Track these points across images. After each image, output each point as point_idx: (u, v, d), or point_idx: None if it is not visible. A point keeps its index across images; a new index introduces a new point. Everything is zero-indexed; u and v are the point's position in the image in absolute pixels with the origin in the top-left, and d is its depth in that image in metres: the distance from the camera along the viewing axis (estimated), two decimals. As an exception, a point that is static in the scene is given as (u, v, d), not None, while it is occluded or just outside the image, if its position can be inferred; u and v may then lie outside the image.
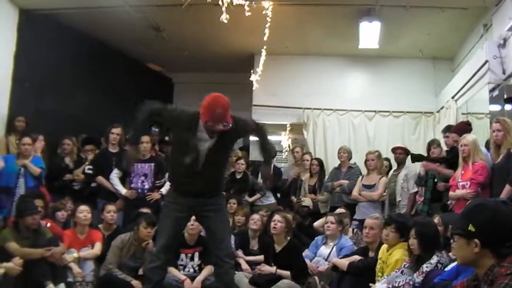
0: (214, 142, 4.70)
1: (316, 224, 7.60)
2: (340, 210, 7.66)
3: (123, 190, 7.76)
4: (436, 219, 5.29)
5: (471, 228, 2.68)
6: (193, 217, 5.42)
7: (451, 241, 3.82)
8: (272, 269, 6.44)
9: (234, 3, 7.02)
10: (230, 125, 4.50)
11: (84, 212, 6.75)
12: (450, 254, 4.54)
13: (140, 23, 9.69)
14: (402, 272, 4.84)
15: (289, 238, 6.63)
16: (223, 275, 4.90)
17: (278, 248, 6.58)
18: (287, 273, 6.35)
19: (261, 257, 6.91)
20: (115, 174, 7.83)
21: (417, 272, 4.59)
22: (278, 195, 9.48)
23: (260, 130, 5.10)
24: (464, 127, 6.99)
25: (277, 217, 6.62)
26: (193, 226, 6.26)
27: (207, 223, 5.01)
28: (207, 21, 8.69)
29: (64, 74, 9.41)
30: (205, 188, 4.79)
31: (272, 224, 6.58)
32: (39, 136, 7.90)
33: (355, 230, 7.54)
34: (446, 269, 4.41)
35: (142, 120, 4.92)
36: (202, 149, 4.70)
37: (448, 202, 6.52)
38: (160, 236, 5.00)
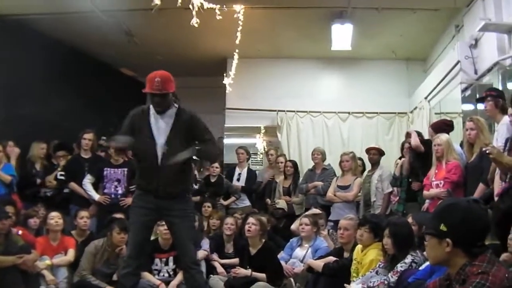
0: (169, 131, 4.77)
1: (293, 226, 7.57)
2: (315, 211, 7.64)
3: (96, 196, 7.68)
4: (410, 219, 5.31)
5: (443, 227, 2.68)
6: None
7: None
8: (247, 272, 6.42)
9: (205, 7, 6.98)
10: (168, 92, 4.69)
11: (55, 218, 6.67)
12: (424, 253, 4.55)
13: (112, 28, 9.60)
14: (377, 272, 4.85)
15: (263, 240, 6.62)
16: (191, 280, 4.92)
17: (253, 250, 6.57)
18: (262, 275, 6.34)
19: (236, 260, 6.90)
20: (87, 180, 7.75)
21: (392, 272, 4.59)
22: (253, 197, 9.44)
23: (208, 139, 5.05)
24: (442, 126, 6.99)
25: (251, 220, 6.61)
26: (166, 231, 6.20)
27: (173, 229, 5.02)
28: (179, 26, 8.62)
29: (35, 80, 9.26)
30: (166, 186, 4.77)
31: (247, 227, 6.58)
32: (8, 142, 7.76)
33: (330, 231, 7.56)
34: (420, 268, 4.42)
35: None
36: (160, 142, 4.76)
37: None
38: (129, 243, 5.03)
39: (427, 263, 4.28)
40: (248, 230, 6.56)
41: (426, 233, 2.86)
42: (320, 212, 7.69)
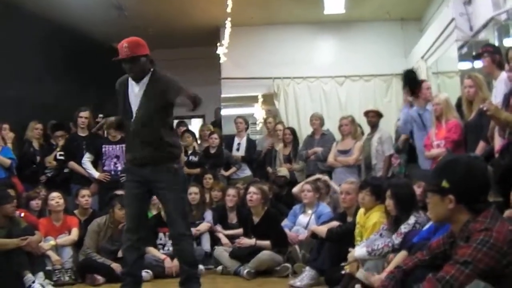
0: (141, 96, 4.72)
1: (295, 189, 7.55)
2: (321, 176, 7.63)
3: (96, 174, 7.68)
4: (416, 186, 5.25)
5: (445, 184, 2.67)
6: None
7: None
8: (252, 241, 6.45)
9: (195, -25, 6.89)
10: (135, 55, 4.63)
11: (55, 198, 6.67)
12: (427, 213, 4.53)
13: (102, 3, 9.53)
14: (380, 234, 4.84)
15: (266, 208, 6.63)
16: (180, 252, 4.89)
17: (256, 219, 6.60)
18: (266, 243, 6.37)
19: (240, 230, 6.93)
20: (87, 158, 7.74)
21: (396, 234, 4.58)
22: (254, 166, 9.42)
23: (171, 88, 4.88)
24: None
25: (252, 189, 6.62)
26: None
27: (161, 200, 5.05)
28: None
29: (28, 60, 9.18)
30: (147, 152, 4.73)
31: (248, 196, 6.60)
32: (3, 125, 7.71)
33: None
34: (424, 228, 4.41)
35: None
36: (134, 105, 4.74)
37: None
38: (126, 217, 5.06)
39: (431, 223, 4.27)
40: (250, 200, 6.58)
41: (428, 190, 2.84)
42: (327, 177, 7.68)
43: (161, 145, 4.77)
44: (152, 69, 4.79)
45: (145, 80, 4.75)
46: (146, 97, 4.71)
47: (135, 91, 4.75)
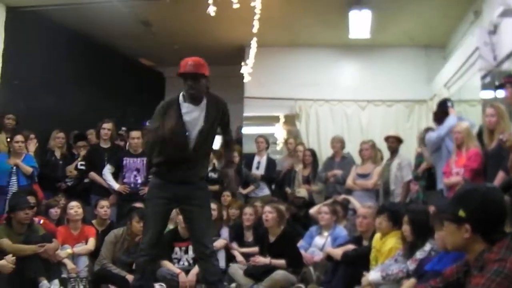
0: (203, 116, 4.77)
1: (312, 210, 7.57)
2: (344, 196, 7.70)
3: (116, 185, 7.74)
4: (432, 208, 5.26)
5: (461, 213, 2.67)
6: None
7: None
8: (267, 260, 6.45)
9: (221, -4, 6.97)
10: (200, 72, 4.72)
11: (74, 208, 6.77)
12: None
13: (129, 18, 9.63)
14: (396, 260, 4.85)
15: (283, 227, 6.64)
16: (210, 267, 4.90)
17: (272, 238, 6.62)
18: (281, 262, 6.38)
19: (255, 249, 6.92)
20: (107, 170, 7.81)
21: (410, 260, 4.59)
22: (273, 186, 9.44)
23: (230, 130, 5.20)
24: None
25: (267, 208, 6.66)
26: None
27: (190, 217, 5.00)
28: (196, 14, 8.64)
29: (54, 71, 9.37)
30: (192, 171, 4.81)
31: (263, 216, 6.63)
32: (30, 135, 7.83)
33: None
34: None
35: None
36: (192, 130, 4.76)
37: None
38: (146, 232, 4.99)
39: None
40: (266, 220, 6.60)
41: (445, 218, 2.84)
42: (349, 197, 7.71)
43: (204, 166, 4.90)
44: (208, 92, 4.87)
45: (203, 103, 4.81)
46: (207, 121, 4.78)
47: (194, 114, 4.78)
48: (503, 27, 7.40)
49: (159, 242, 4.95)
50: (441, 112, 6.95)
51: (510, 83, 5.71)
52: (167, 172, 4.86)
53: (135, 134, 7.76)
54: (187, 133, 4.74)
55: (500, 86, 6.06)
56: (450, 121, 6.73)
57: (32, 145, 7.83)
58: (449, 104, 7.07)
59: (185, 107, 4.79)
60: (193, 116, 4.77)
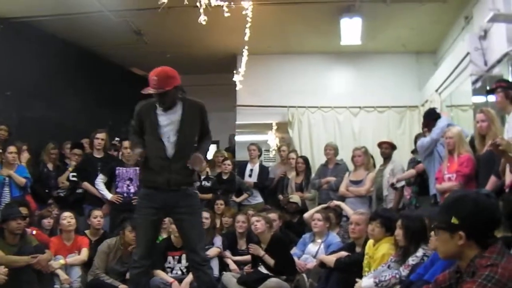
0: (179, 120, 4.80)
1: (306, 215, 7.58)
2: (336, 203, 7.68)
3: (108, 195, 7.73)
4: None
5: (454, 220, 2.66)
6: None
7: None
8: (260, 252, 6.47)
9: (213, 5, 6.96)
10: (165, 90, 4.66)
11: (67, 218, 6.74)
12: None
13: (121, 28, 9.65)
14: (388, 266, 4.84)
15: (272, 232, 6.67)
16: (203, 276, 4.91)
17: (264, 246, 6.60)
18: (271, 261, 6.40)
19: (248, 257, 6.91)
20: (100, 180, 7.79)
21: (403, 266, 4.59)
22: (266, 194, 9.44)
23: (209, 133, 5.15)
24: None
25: (254, 218, 6.70)
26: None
27: (181, 226, 5.01)
28: (187, 23, 8.64)
29: (46, 81, 9.35)
30: (175, 177, 4.79)
31: (253, 227, 6.64)
32: (23, 146, 7.82)
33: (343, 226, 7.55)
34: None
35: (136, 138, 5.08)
36: (169, 135, 4.80)
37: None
38: (137, 244, 5.02)
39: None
40: (256, 228, 6.61)
41: (438, 227, 2.83)
42: (340, 202, 7.71)
43: (189, 170, 4.85)
44: (184, 97, 4.89)
45: (178, 107, 4.84)
46: (185, 124, 4.80)
47: (171, 118, 4.82)
48: (494, 32, 7.44)
49: (152, 252, 4.94)
50: (432, 119, 6.95)
51: (501, 87, 5.72)
52: (154, 179, 4.86)
53: (128, 143, 7.73)
54: (162, 137, 4.79)
55: (491, 91, 6.07)
56: (442, 122, 6.75)
57: (24, 157, 7.82)
58: (437, 110, 7.11)
59: (161, 111, 4.84)
60: (171, 119, 4.82)
